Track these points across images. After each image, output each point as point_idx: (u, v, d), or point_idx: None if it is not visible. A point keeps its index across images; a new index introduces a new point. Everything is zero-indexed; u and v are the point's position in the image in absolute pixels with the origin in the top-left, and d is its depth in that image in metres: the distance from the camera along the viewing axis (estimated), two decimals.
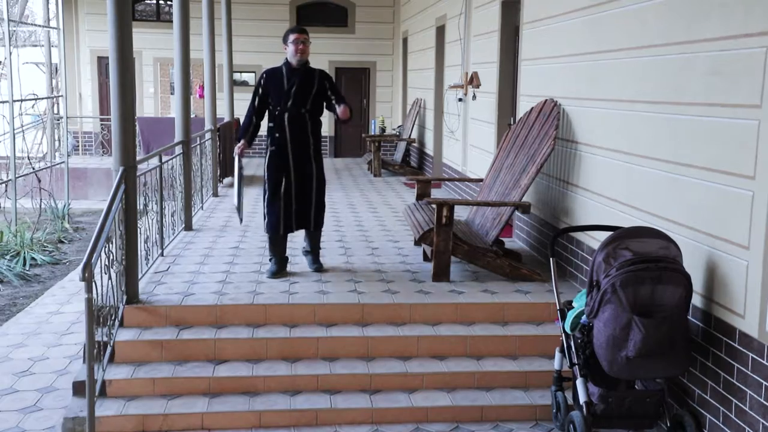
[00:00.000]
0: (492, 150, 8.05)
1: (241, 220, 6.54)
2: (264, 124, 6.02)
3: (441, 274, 5.81)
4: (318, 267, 6.10)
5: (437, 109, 11.70)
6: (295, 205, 5.90)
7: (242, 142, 5.98)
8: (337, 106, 5.87)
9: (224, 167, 11.08)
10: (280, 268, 5.97)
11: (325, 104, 5.96)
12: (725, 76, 3.80)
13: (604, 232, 4.41)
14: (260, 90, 5.93)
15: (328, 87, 5.92)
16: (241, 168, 6.17)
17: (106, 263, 4.70)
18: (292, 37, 5.84)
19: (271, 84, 5.89)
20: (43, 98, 14.24)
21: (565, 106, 6.03)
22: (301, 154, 5.87)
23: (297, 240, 6.62)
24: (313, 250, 6.17)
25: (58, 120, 14.48)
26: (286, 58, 5.90)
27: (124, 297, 5.15)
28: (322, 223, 6.10)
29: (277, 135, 5.87)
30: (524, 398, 4.73)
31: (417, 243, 6.09)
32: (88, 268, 4.14)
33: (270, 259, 6.02)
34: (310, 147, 5.91)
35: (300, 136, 5.87)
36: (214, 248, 6.94)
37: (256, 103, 5.95)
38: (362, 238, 7.48)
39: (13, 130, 11.28)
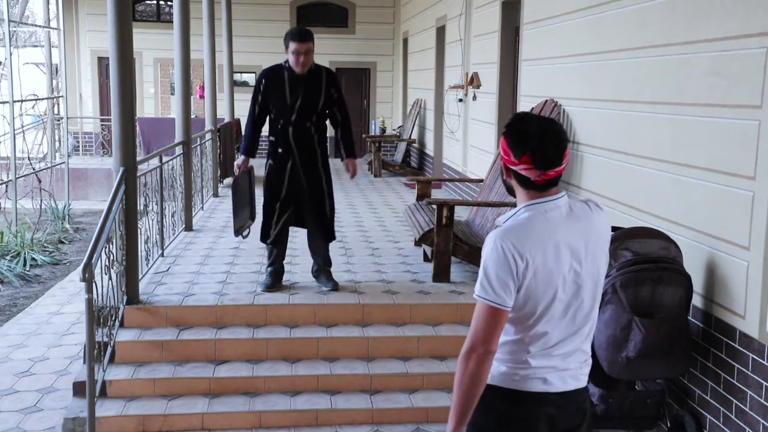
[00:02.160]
0: (492, 150, 8.05)
1: (239, 233, 5.81)
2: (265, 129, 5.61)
3: (441, 275, 5.81)
4: (334, 285, 5.58)
5: (437, 109, 11.69)
6: (312, 214, 5.51)
7: (242, 158, 5.58)
8: (345, 159, 5.62)
9: (224, 168, 11.07)
10: (274, 281, 5.58)
11: (327, 113, 5.53)
12: (725, 77, 3.80)
13: None
14: (259, 97, 5.46)
15: (335, 98, 5.48)
16: (248, 185, 5.71)
17: (107, 264, 4.71)
18: (292, 46, 5.26)
19: (271, 91, 5.42)
20: (43, 99, 14.24)
21: (566, 107, 6.03)
22: (309, 167, 5.45)
23: (296, 248, 6.61)
24: (326, 266, 5.67)
25: (59, 120, 14.47)
26: (287, 60, 5.39)
27: (125, 297, 5.16)
28: (334, 235, 5.68)
29: (280, 150, 5.42)
30: None
31: (417, 243, 6.09)
32: (88, 268, 4.15)
33: (267, 268, 5.66)
34: (318, 160, 5.48)
35: (307, 150, 5.44)
36: (215, 249, 6.94)
37: (256, 111, 5.50)
38: (363, 238, 7.48)
39: (14, 130, 11.28)
